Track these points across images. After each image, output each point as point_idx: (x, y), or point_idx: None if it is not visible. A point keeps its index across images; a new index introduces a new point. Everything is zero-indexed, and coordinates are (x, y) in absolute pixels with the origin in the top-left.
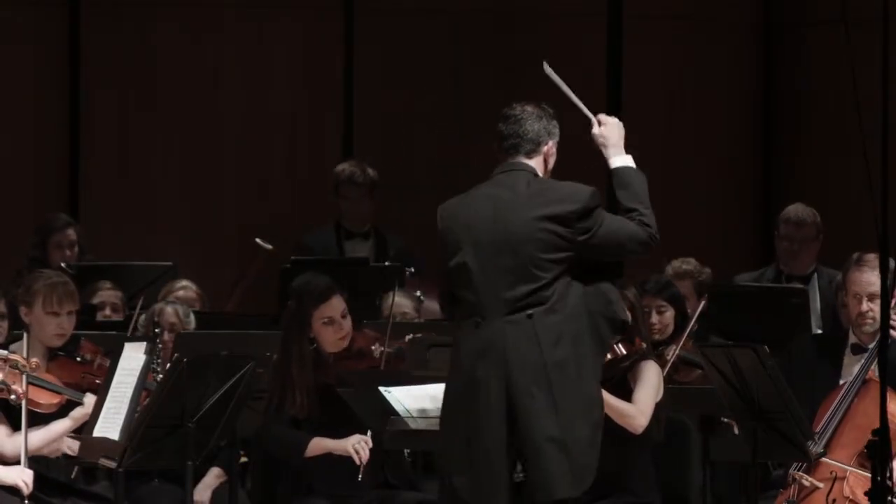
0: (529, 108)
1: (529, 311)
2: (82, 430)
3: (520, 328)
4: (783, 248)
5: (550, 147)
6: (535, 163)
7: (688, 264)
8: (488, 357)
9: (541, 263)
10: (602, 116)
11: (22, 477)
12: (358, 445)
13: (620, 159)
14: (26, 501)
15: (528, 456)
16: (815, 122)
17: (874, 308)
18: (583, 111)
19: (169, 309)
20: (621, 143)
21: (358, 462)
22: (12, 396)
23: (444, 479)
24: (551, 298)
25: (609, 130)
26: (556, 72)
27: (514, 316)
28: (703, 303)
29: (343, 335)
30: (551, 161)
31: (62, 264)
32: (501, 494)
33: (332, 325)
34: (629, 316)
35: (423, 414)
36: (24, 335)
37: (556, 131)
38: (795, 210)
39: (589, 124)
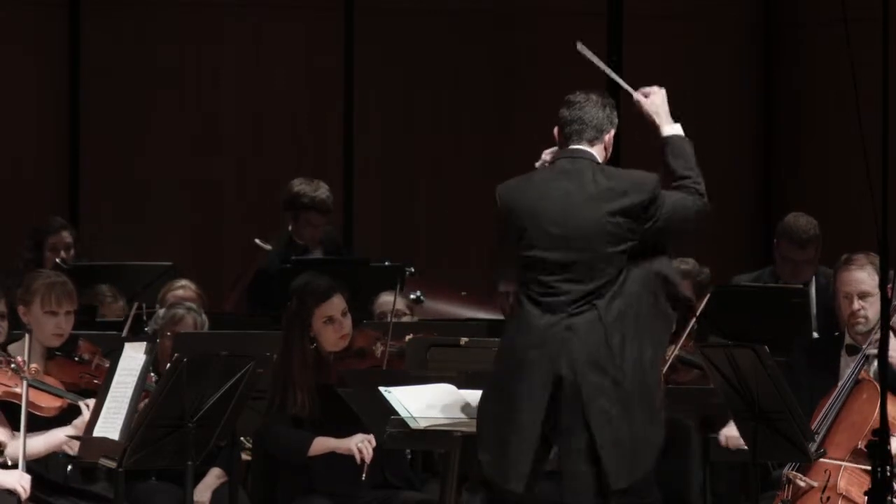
0: (593, 96)
1: (594, 302)
2: (82, 431)
3: (583, 318)
4: (784, 268)
5: (611, 135)
6: (597, 150)
7: (686, 264)
8: (544, 347)
9: (609, 258)
10: (647, 88)
11: (20, 482)
12: (361, 444)
13: (671, 128)
14: None
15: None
16: (815, 122)
17: (865, 306)
18: (622, 86)
19: (189, 319)
20: (668, 111)
21: (360, 461)
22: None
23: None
24: (613, 288)
25: (658, 99)
26: (554, 71)
27: (579, 306)
28: (703, 302)
29: (343, 334)
30: (610, 150)
31: (56, 260)
32: (524, 477)
33: (333, 324)
34: (690, 291)
35: (424, 414)
36: (26, 336)
37: (616, 121)
38: (796, 226)
39: (630, 99)
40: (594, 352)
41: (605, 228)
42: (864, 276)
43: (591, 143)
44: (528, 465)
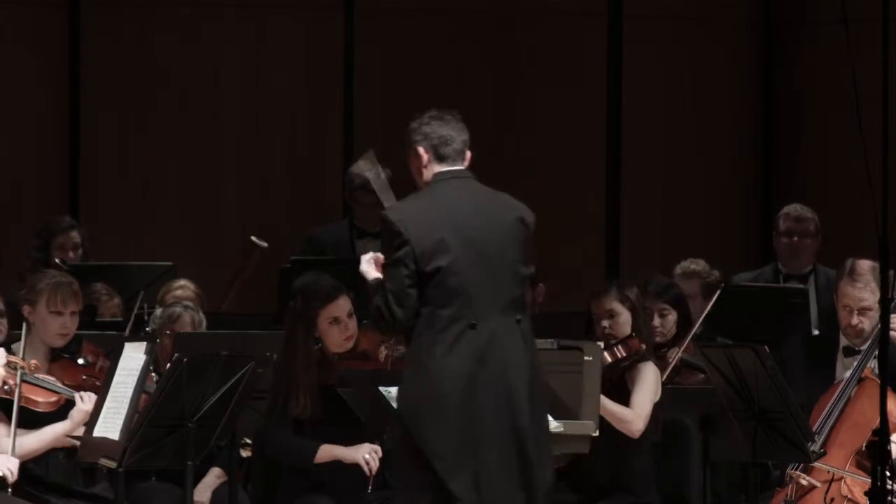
0: (457, 115)
1: (518, 317)
2: (82, 431)
3: (512, 333)
4: (782, 245)
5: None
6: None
7: (696, 264)
8: (489, 362)
9: (522, 265)
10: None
11: (7, 465)
12: (368, 456)
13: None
14: (9, 490)
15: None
16: (815, 122)
17: (864, 321)
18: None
19: (186, 317)
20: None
21: (368, 473)
22: (6, 387)
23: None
24: (526, 305)
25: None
26: (554, 71)
27: (505, 319)
28: (710, 303)
29: (349, 335)
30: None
31: (56, 260)
32: (519, 494)
33: (339, 325)
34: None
35: None
36: (24, 331)
37: None
38: (794, 207)
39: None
40: (523, 380)
41: (517, 235)
42: (866, 294)
43: (464, 162)
44: (516, 479)
